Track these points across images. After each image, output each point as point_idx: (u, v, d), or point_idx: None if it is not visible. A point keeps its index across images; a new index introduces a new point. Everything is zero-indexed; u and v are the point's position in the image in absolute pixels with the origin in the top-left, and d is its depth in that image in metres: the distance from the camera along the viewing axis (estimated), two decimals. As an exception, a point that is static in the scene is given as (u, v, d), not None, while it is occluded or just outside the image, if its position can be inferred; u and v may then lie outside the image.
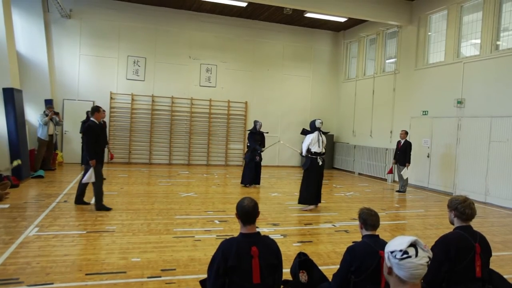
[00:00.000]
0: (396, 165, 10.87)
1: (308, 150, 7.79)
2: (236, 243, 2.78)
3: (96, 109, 7.21)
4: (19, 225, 5.72)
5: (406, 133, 10.79)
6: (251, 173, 10.30)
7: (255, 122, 10.61)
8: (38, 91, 12.43)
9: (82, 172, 7.10)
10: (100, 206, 6.88)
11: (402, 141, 10.68)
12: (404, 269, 1.80)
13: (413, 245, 1.83)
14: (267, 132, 11.20)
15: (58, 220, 6.10)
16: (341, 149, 15.96)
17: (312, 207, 7.88)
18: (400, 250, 1.80)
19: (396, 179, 11.40)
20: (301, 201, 8.00)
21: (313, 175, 7.82)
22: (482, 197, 9.76)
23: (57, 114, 11.79)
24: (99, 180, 6.90)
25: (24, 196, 7.85)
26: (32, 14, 12.50)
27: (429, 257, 1.82)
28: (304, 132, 8.11)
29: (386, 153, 13.18)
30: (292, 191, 10.12)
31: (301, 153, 8.27)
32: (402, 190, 10.73)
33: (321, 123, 7.93)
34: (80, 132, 12.66)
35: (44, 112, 11.37)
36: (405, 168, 10.48)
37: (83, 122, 12.70)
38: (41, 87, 12.59)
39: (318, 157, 7.79)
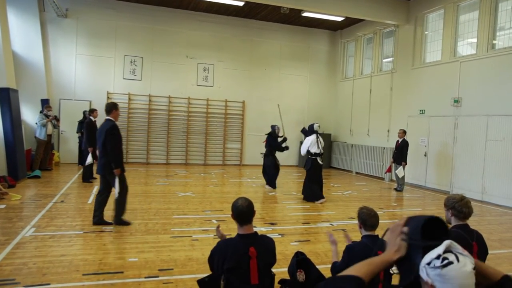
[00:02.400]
0: (394, 164, 10.93)
1: (308, 152, 8.63)
2: (233, 244, 2.77)
3: (114, 106, 5.98)
4: (16, 226, 5.69)
5: (404, 132, 10.84)
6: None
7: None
8: (34, 91, 12.37)
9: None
10: (120, 220, 5.94)
11: (400, 140, 10.73)
12: (451, 280, 1.32)
13: (449, 250, 1.39)
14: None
15: (55, 220, 6.07)
16: (338, 148, 15.98)
17: (324, 199, 8.59)
18: (438, 257, 1.37)
19: (394, 178, 11.44)
20: (309, 198, 8.64)
21: (316, 174, 8.67)
22: (479, 196, 9.79)
23: (57, 119, 11.78)
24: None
25: (21, 196, 7.80)
26: (28, 13, 12.44)
27: (472, 264, 1.38)
28: (304, 132, 9.08)
29: (384, 152, 13.20)
30: (290, 190, 10.13)
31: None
32: (399, 189, 10.78)
33: (319, 126, 8.93)
34: (77, 132, 12.64)
35: (43, 112, 11.30)
36: (401, 167, 10.55)
37: (80, 122, 12.66)
38: (37, 87, 12.54)
39: (318, 157, 8.64)
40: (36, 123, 11.24)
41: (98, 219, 5.92)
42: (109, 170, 5.81)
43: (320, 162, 8.64)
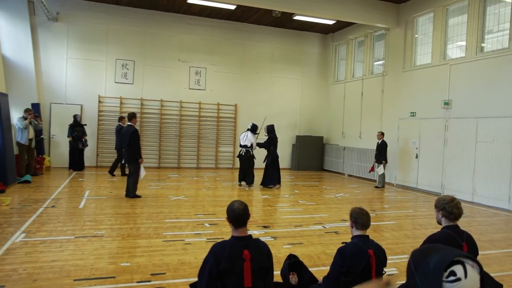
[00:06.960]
0: (376, 164, 12.00)
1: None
2: (228, 246, 2.77)
3: (133, 115, 8.77)
4: (5, 231, 5.62)
5: (382, 134, 11.92)
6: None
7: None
8: (24, 95, 12.23)
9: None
10: (134, 195, 8.52)
11: (379, 141, 11.82)
12: None
13: (460, 261, 1.30)
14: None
15: (46, 226, 6.01)
16: (330, 150, 16.05)
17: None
18: (446, 269, 1.27)
19: (375, 177, 12.43)
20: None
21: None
22: (469, 197, 9.90)
23: (37, 117, 11.48)
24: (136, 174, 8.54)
25: (11, 201, 7.71)
26: (18, 17, 12.33)
27: (479, 274, 1.30)
28: (257, 130, 11.44)
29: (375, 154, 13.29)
30: (283, 194, 10.15)
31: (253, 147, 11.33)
32: (379, 186, 11.73)
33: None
34: (68, 136, 12.52)
35: (23, 116, 10.95)
36: (381, 165, 11.66)
37: (71, 126, 12.55)
38: (27, 91, 12.40)
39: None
40: (17, 126, 10.85)
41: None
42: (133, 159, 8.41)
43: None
